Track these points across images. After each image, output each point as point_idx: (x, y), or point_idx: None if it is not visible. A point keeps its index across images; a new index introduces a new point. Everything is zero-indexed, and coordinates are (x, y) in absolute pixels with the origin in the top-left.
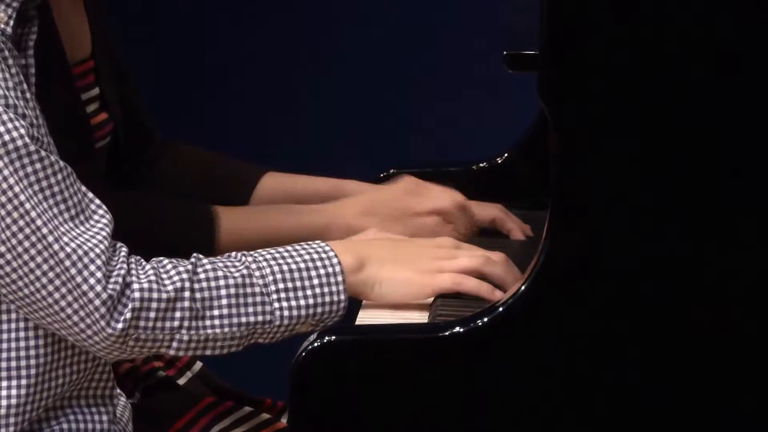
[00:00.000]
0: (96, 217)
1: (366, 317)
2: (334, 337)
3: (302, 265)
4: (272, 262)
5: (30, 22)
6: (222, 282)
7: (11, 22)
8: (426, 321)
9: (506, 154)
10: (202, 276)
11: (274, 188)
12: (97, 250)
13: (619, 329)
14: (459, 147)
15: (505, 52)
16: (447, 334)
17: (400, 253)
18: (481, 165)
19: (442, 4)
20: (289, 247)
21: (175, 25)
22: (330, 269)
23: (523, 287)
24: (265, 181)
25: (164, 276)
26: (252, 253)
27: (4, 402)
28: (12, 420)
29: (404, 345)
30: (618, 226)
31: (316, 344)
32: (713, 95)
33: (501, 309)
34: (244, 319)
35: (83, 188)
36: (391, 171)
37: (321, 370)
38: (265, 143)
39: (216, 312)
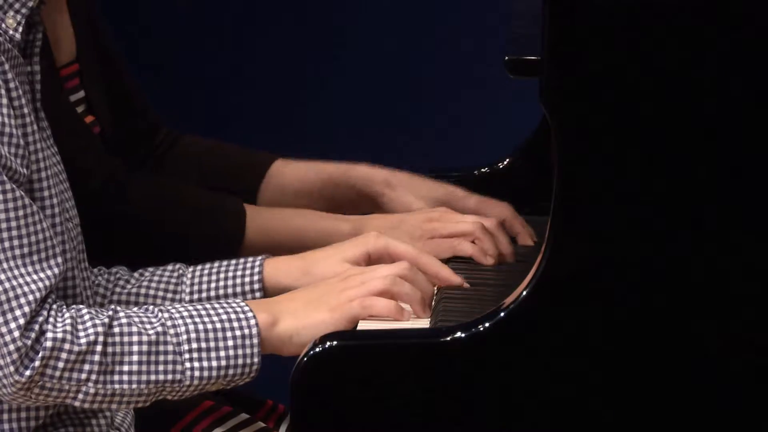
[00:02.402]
0: (47, 264)
1: (368, 323)
2: (336, 343)
3: (218, 325)
4: (188, 320)
5: (35, 29)
6: (135, 338)
7: (20, 29)
8: (428, 326)
9: (508, 159)
10: (116, 330)
11: (286, 173)
12: (30, 298)
13: (620, 334)
14: (461, 152)
15: (506, 58)
16: (449, 339)
17: (310, 298)
18: (482, 170)
19: (443, 7)
20: (207, 305)
21: (176, 27)
22: (246, 330)
23: (524, 292)
24: (277, 166)
25: (80, 327)
26: (170, 308)
27: None
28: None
29: (406, 350)
30: (619, 232)
31: (317, 350)
32: (713, 99)
33: (503, 314)
34: (153, 377)
35: (49, 233)
36: None
37: (323, 376)
38: (264, 148)
39: (126, 368)
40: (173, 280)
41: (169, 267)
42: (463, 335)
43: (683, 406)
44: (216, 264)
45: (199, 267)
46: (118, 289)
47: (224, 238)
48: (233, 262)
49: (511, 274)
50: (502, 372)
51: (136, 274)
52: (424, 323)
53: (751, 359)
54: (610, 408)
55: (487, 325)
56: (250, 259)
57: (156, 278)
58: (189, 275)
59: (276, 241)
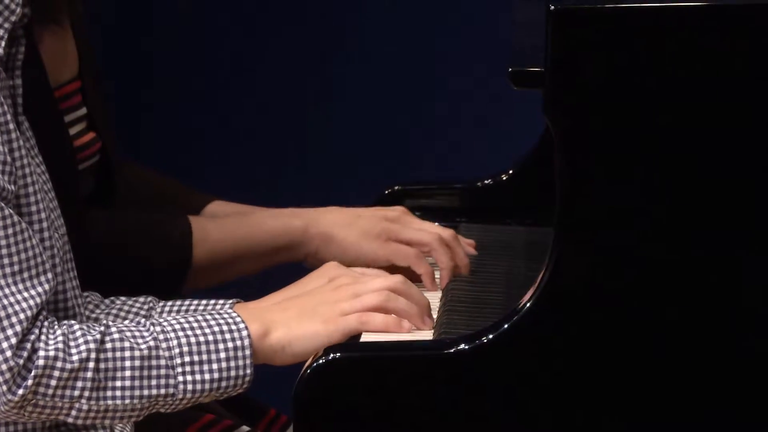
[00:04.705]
0: (37, 281)
1: (370, 334)
2: (339, 355)
3: (210, 338)
4: (180, 333)
5: (17, 42)
6: (127, 354)
7: (2, 43)
8: (431, 338)
9: (511, 171)
10: (109, 346)
11: (218, 214)
12: (21, 316)
13: (625, 345)
14: (464, 164)
15: (510, 69)
16: (452, 351)
17: (302, 308)
18: (485, 181)
19: (446, 17)
20: (199, 317)
21: (175, 29)
22: (238, 342)
23: (528, 304)
24: (211, 208)
25: (72, 344)
26: (161, 321)
27: None
28: None
29: (409, 362)
30: (622, 243)
31: (321, 361)
32: (717, 108)
33: (506, 326)
34: (146, 392)
35: (38, 249)
36: (396, 188)
37: (326, 388)
38: (266, 158)
39: (118, 384)
40: (143, 312)
41: (141, 299)
42: (466, 347)
43: (690, 413)
44: (187, 302)
45: (169, 303)
46: (87, 312)
47: (172, 261)
48: (203, 302)
49: (514, 285)
50: (507, 383)
51: (107, 301)
52: (427, 335)
53: (761, 375)
54: (616, 418)
55: (490, 336)
56: (221, 302)
57: (126, 307)
58: (158, 309)
59: (223, 252)
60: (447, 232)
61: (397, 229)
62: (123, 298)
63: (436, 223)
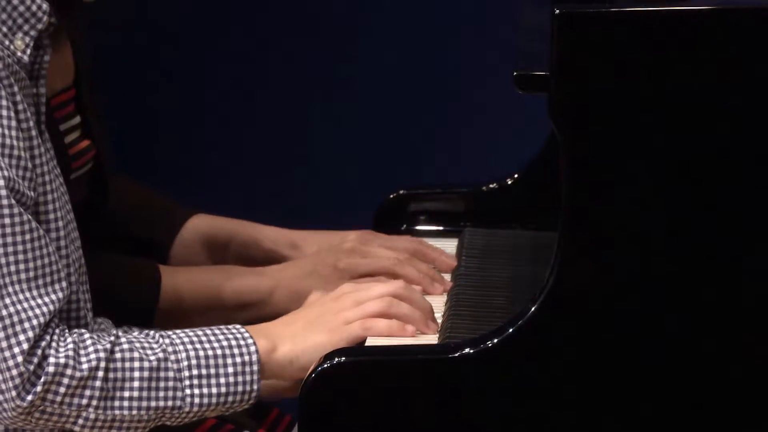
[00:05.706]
0: (51, 289)
1: (376, 339)
2: (344, 359)
3: (219, 352)
4: (189, 346)
5: (42, 50)
6: (136, 364)
7: (28, 51)
8: (436, 342)
9: (516, 175)
10: (118, 356)
11: (200, 229)
12: (34, 322)
13: (630, 350)
14: (469, 167)
15: (515, 73)
16: (457, 355)
17: (307, 320)
18: (491, 186)
19: (448, 22)
20: (208, 330)
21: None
22: (246, 357)
23: (533, 309)
24: (192, 221)
25: (82, 353)
26: (170, 334)
27: None
28: None
29: (414, 366)
30: (627, 249)
31: (326, 365)
32: (721, 113)
33: (511, 330)
34: (153, 404)
35: (54, 257)
36: (400, 192)
37: (331, 392)
38: (269, 162)
39: (126, 394)
40: None
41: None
42: (471, 351)
43: (694, 417)
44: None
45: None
46: None
47: (137, 307)
48: (215, 328)
49: (519, 289)
50: (511, 387)
51: (120, 330)
52: (431, 339)
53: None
54: (620, 422)
55: (495, 340)
56: (235, 327)
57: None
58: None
59: (191, 304)
60: (401, 254)
61: (357, 264)
62: (138, 329)
63: (406, 237)
